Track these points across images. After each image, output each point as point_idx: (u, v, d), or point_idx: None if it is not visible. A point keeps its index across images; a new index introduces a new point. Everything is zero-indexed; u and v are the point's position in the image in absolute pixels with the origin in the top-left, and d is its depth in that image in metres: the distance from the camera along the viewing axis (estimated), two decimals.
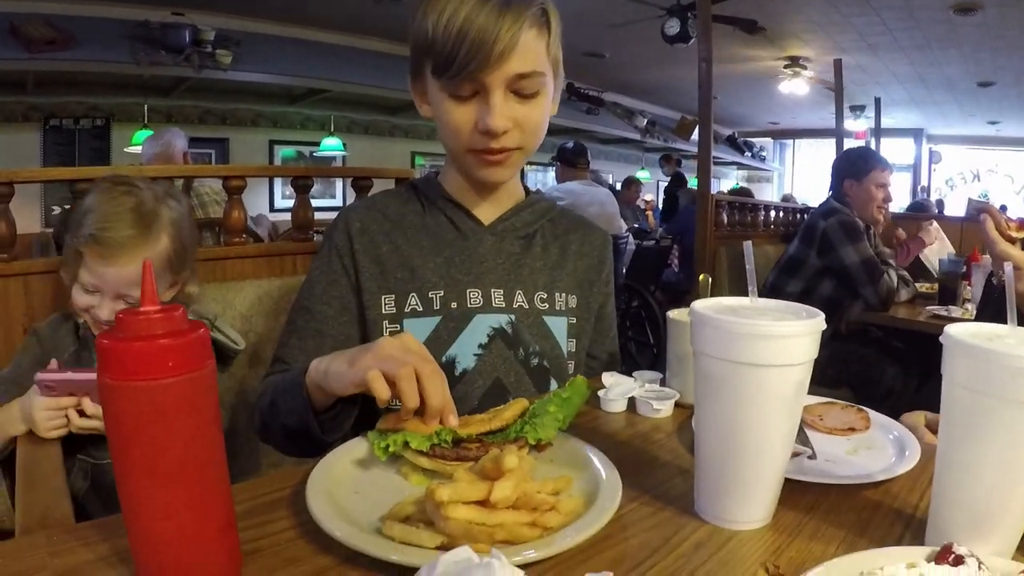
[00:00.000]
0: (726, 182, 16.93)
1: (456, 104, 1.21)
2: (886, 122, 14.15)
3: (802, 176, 17.82)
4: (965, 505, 0.75)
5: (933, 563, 0.67)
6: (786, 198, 12.83)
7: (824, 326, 0.80)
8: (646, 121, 13.19)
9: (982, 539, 0.73)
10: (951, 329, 0.75)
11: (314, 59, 8.23)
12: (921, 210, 8.89)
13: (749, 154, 17.15)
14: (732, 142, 16.52)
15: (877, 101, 11.38)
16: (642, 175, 13.35)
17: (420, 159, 10.66)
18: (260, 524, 0.82)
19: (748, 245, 0.88)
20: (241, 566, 0.73)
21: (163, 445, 0.65)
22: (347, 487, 0.90)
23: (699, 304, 0.83)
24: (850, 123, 13.20)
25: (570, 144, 5.70)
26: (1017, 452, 0.71)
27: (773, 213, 4.53)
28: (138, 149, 7.04)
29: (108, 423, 0.67)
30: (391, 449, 0.93)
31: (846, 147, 6.91)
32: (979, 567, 0.66)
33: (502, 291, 1.34)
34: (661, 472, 0.99)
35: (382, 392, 0.91)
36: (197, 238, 1.78)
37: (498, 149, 1.23)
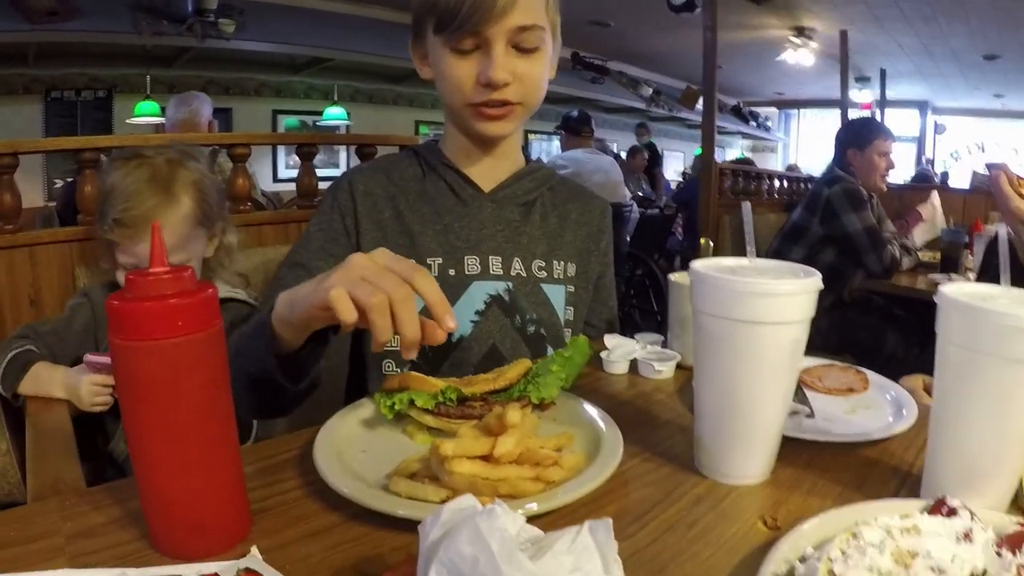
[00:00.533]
0: (731, 151, 16.88)
1: (458, 58, 1.21)
2: (891, 94, 14.06)
3: (807, 146, 17.74)
4: (958, 460, 0.77)
5: (927, 514, 0.69)
6: (791, 168, 12.82)
7: (820, 286, 0.81)
8: (651, 90, 13.12)
9: (976, 493, 0.75)
10: (945, 288, 0.76)
11: (317, 27, 8.18)
12: (925, 180, 8.88)
13: (754, 124, 17.07)
14: (737, 112, 16.44)
15: (882, 73, 11.30)
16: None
17: (424, 128, 10.61)
18: (269, 484, 0.84)
19: (746, 206, 0.89)
20: (250, 524, 0.75)
21: (172, 403, 0.67)
22: (354, 447, 0.91)
23: (699, 263, 0.84)
24: (855, 94, 13.13)
25: (574, 113, 5.67)
26: (1008, 408, 0.73)
27: (776, 182, 4.52)
28: (141, 120, 7.04)
29: (119, 383, 0.69)
30: (396, 407, 0.95)
31: (850, 118, 6.89)
32: (972, 518, 0.67)
33: (500, 258, 1.35)
34: (662, 430, 1.01)
35: (346, 315, 0.79)
36: (222, 190, 1.79)
37: (499, 101, 1.23)
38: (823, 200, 3.40)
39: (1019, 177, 1.33)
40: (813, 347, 0.80)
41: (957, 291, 0.77)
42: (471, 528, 0.51)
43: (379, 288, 0.79)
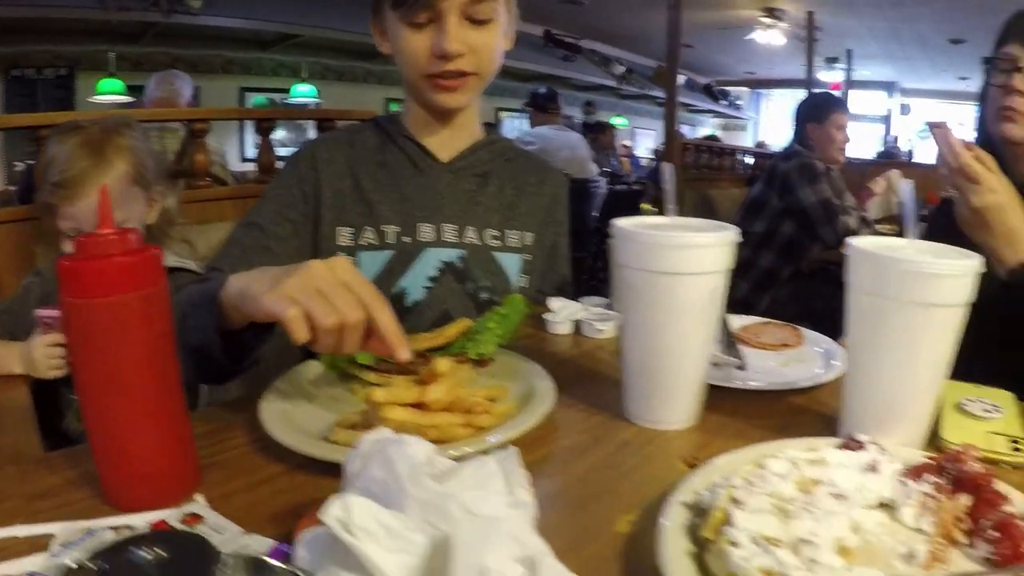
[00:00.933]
0: (702, 130, 17.00)
1: (413, 32, 1.23)
2: (860, 75, 14.17)
3: (776, 125, 17.86)
4: (872, 401, 0.82)
5: (835, 449, 0.73)
6: (759, 145, 12.89)
7: (736, 239, 0.85)
8: (623, 69, 13.15)
9: (888, 432, 0.79)
10: (853, 241, 0.81)
11: (286, 3, 8.11)
12: (890, 157, 8.99)
13: (725, 103, 17.19)
14: (708, 91, 16.53)
15: (848, 53, 11.44)
16: (618, 121, 13.35)
17: (394, 105, 10.48)
18: (217, 442, 0.86)
19: (667, 167, 0.92)
20: (199, 477, 0.77)
21: (121, 358, 0.69)
22: (300, 405, 0.94)
23: (621, 221, 0.87)
24: (824, 74, 13.26)
25: (542, 90, 5.69)
26: (915, 350, 0.77)
27: (739, 157, 4.57)
28: (104, 99, 6.93)
29: (70, 341, 0.72)
30: (339, 365, 0.97)
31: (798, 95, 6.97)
32: (879, 452, 0.71)
33: (455, 227, 1.38)
34: (599, 384, 1.04)
35: (298, 336, 0.78)
36: (160, 157, 1.82)
37: (453, 72, 1.26)
38: (780, 174, 3.45)
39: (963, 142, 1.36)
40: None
41: (865, 243, 0.81)
42: (382, 455, 0.54)
43: (335, 309, 0.79)
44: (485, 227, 1.41)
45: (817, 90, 8.09)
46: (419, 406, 0.81)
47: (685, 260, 0.82)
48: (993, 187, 1.22)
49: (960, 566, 0.59)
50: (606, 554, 0.63)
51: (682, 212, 3.07)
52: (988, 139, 1.46)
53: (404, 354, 0.82)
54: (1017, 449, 0.82)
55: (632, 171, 9.83)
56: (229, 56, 8.89)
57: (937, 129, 1.26)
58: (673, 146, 3.57)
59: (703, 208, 3.73)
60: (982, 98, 1.53)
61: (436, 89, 1.30)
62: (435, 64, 1.25)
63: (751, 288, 3.46)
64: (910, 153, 12.51)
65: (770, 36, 11.35)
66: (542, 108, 5.56)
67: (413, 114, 1.41)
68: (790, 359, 1.15)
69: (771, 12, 10.70)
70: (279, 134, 7.63)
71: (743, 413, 0.93)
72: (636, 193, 5.86)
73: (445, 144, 1.42)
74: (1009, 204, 1.23)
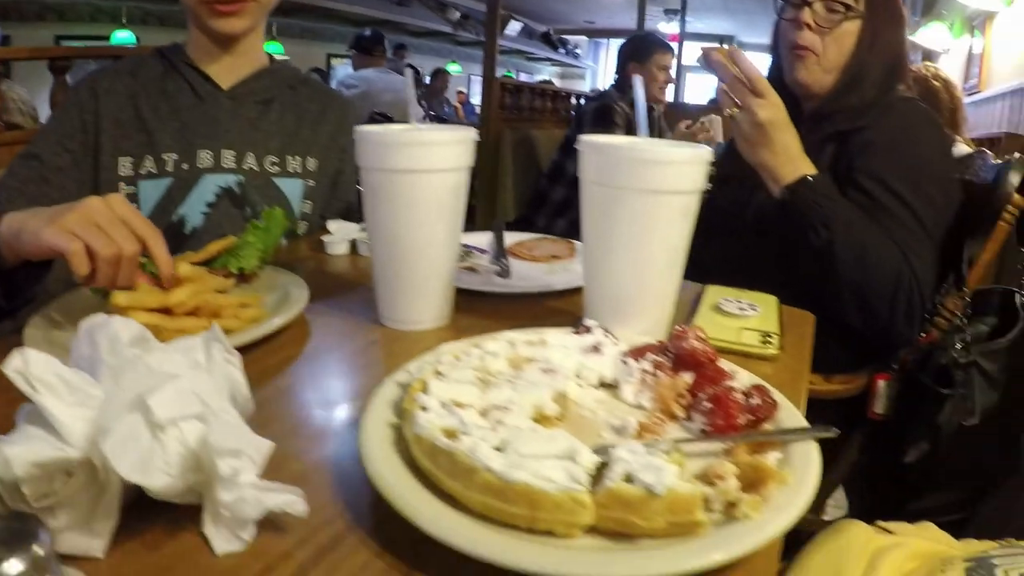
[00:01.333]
0: (540, 77, 17.12)
1: None
2: (698, 27, 14.55)
3: (613, 73, 18.19)
4: (608, 292, 0.89)
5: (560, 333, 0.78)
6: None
7: (475, 138, 0.90)
8: (459, 15, 13.05)
9: (626, 322, 0.85)
10: (584, 137, 0.86)
11: None
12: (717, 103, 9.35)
13: (563, 51, 17.35)
14: (547, 39, 16.64)
15: (683, 4, 11.70)
16: (453, 68, 13.30)
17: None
18: None
19: (408, 72, 0.96)
20: None
21: None
22: (67, 330, 0.90)
23: (363, 127, 0.90)
24: (663, 25, 13.57)
25: (367, 32, 5.59)
26: (646, 237, 0.83)
27: (572, 101, 4.66)
28: None
29: None
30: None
31: None
32: (605, 335, 0.76)
33: (233, 153, 1.38)
34: (361, 295, 1.05)
35: (81, 269, 0.80)
36: None
37: None
38: (581, 115, 3.60)
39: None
40: None
41: (595, 138, 0.87)
42: (89, 335, 0.56)
43: (113, 241, 0.82)
44: (265, 153, 1.42)
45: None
46: (166, 312, 0.82)
47: (420, 158, 0.85)
48: (777, 103, 1.29)
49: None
50: (329, 433, 0.67)
51: (499, 153, 3.12)
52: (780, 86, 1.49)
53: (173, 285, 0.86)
54: (767, 342, 0.91)
55: (466, 118, 9.83)
56: (43, 1, 8.28)
57: (715, 53, 1.31)
58: (492, 86, 3.61)
59: (523, 147, 3.81)
60: (774, 46, 1.62)
61: (213, 15, 1.30)
62: None
63: (567, 226, 3.56)
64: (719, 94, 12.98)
65: None
66: (367, 51, 5.45)
67: (196, 42, 1.40)
68: (557, 269, 1.21)
69: None
70: None
71: (498, 315, 0.98)
72: None
73: (227, 71, 1.42)
74: (788, 122, 1.31)
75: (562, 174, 3.59)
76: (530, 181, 3.83)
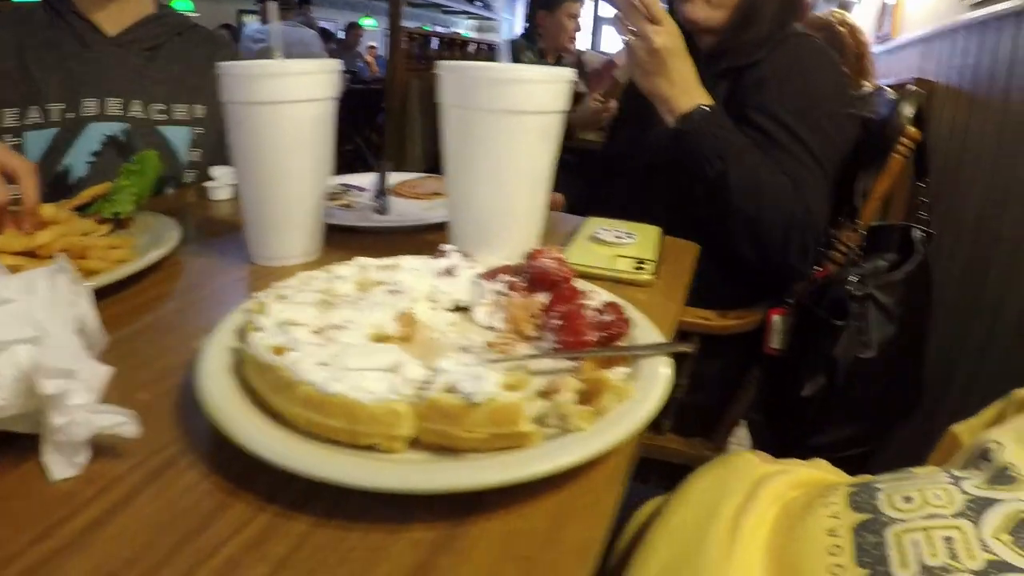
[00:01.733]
0: (456, 30, 16.91)
1: None
2: None
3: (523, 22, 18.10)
4: (471, 218, 0.86)
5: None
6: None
7: (339, 68, 0.86)
8: None
9: (490, 248, 0.83)
10: (441, 62, 0.83)
11: None
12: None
13: (479, 3, 17.17)
14: None
15: None
16: (367, 22, 13.03)
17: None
18: None
19: (274, 18, 0.92)
20: None
21: None
22: None
23: (226, 63, 0.85)
24: None
25: None
26: (508, 158, 0.81)
27: (464, 48, 4.56)
28: None
29: None
30: None
31: None
32: (462, 259, 0.74)
33: (119, 100, 1.34)
34: (238, 237, 0.99)
35: None
36: None
37: None
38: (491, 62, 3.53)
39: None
40: None
41: (453, 63, 0.83)
42: None
43: None
44: (151, 101, 1.38)
45: None
46: (31, 255, 0.79)
47: (277, 89, 0.81)
48: (673, 31, 1.26)
49: None
50: (177, 365, 0.63)
51: (407, 102, 3.06)
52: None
53: (30, 225, 0.83)
54: (640, 268, 0.89)
55: (379, 71, 9.64)
56: None
57: None
58: (397, 37, 3.52)
59: (431, 96, 3.73)
60: None
61: None
62: None
63: None
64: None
65: None
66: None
67: None
68: (437, 205, 1.18)
69: None
70: None
71: (371, 249, 0.93)
72: (375, 92, 5.77)
73: (113, 18, 1.38)
74: (684, 51, 1.29)
75: None
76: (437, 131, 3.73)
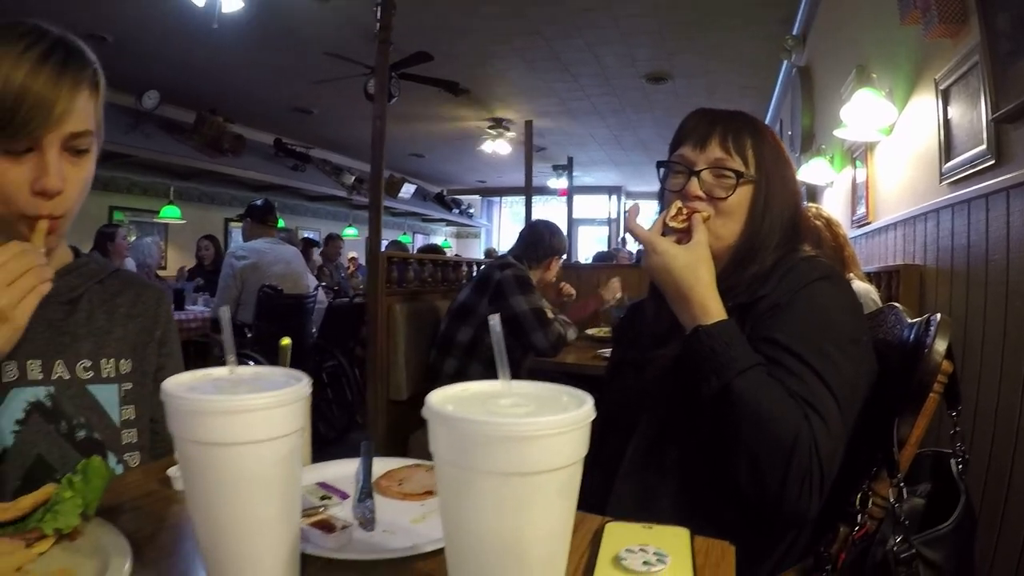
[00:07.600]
0: (436, 238, 17.37)
1: (11, 163, 1.12)
2: (586, 180, 15.15)
3: (509, 231, 18.64)
4: None
5: None
6: (488, 252, 13.30)
7: (308, 391, 0.72)
8: (353, 179, 13.20)
9: None
10: (432, 398, 0.67)
11: None
12: (607, 259, 9.62)
13: (457, 211, 17.76)
14: (440, 200, 17.04)
15: (570, 161, 12.18)
16: (348, 232, 13.34)
17: (119, 214, 9.77)
18: None
19: (224, 311, 0.79)
20: None
21: None
22: None
23: (168, 382, 0.71)
24: (553, 181, 14.14)
25: (259, 201, 5.61)
26: (514, 527, 0.63)
27: (445, 268, 4.56)
28: None
29: None
30: None
31: (536, 202, 7.38)
32: None
33: (40, 362, 1.23)
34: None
35: None
36: None
37: (58, 215, 1.16)
38: (493, 283, 3.47)
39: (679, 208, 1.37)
40: None
41: (444, 398, 0.68)
42: None
43: None
44: (76, 358, 1.27)
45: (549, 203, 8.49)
46: None
47: (236, 428, 0.67)
48: (656, 249, 1.30)
49: None
50: None
51: (390, 327, 2.97)
52: None
53: None
54: None
55: (361, 281, 9.71)
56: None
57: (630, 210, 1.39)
58: (377, 262, 3.48)
59: (414, 321, 3.68)
60: (661, 196, 1.54)
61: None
62: (33, 204, 1.14)
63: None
64: (638, 253, 13.35)
65: (497, 146, 11.91)
66: (259, 220, 5.46)
67: None
68: (430, 510, 1.02)
69: (498, 123, 11.23)
70: None
71: None
72: (358, 307, 5.74)
73: None
74: (676, 267, 1.28)
75: (451, 344, 3.51)
76: (422, 354, 3.70)
